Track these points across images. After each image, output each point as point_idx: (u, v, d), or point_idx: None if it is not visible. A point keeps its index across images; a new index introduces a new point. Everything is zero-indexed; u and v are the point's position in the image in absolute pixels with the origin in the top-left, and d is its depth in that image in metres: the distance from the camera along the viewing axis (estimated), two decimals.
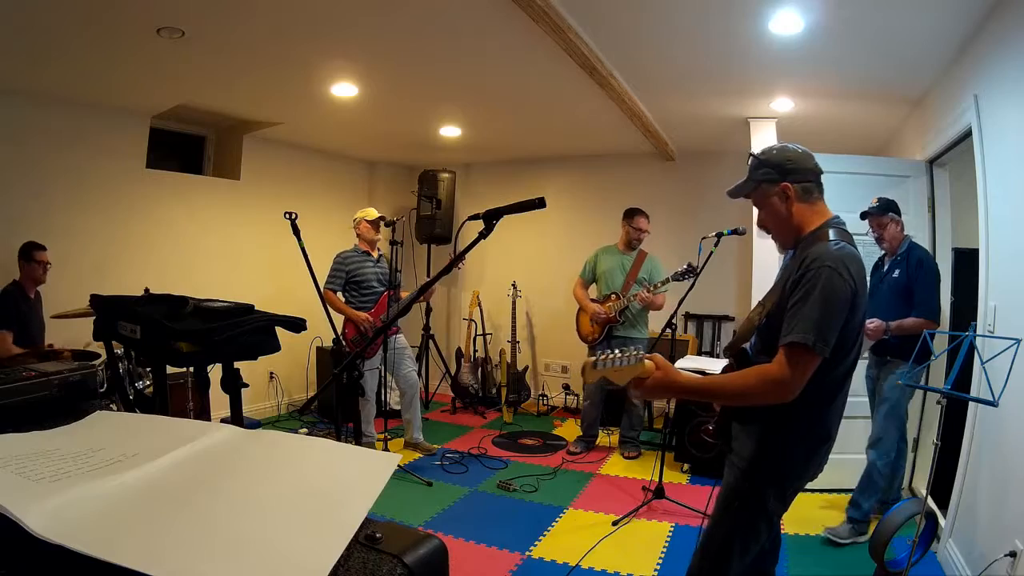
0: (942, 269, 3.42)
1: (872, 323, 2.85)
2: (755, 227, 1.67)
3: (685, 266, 3.65)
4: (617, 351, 1.41)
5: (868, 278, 1.52)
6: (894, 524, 2.28)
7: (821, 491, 3.39)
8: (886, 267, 3.07)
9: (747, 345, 1.60)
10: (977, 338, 2.07)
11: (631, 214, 4.22)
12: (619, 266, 4.20)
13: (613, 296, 4.12)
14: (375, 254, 4.03)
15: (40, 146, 3.71)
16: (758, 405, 1.47)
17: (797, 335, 1.36)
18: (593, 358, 1.40)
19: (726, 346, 1.89)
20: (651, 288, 3.97)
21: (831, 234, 1.49)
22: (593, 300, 4.23)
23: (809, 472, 1.56)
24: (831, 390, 1.49)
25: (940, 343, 2.90)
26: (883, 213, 2.96)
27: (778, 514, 1.57)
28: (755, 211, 1.70)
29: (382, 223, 4.00)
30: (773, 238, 1.68)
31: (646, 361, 1.45)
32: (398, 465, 1.33)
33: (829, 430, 1.53)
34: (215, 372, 1.42)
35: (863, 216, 3.06)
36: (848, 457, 3.47)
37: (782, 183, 1.55)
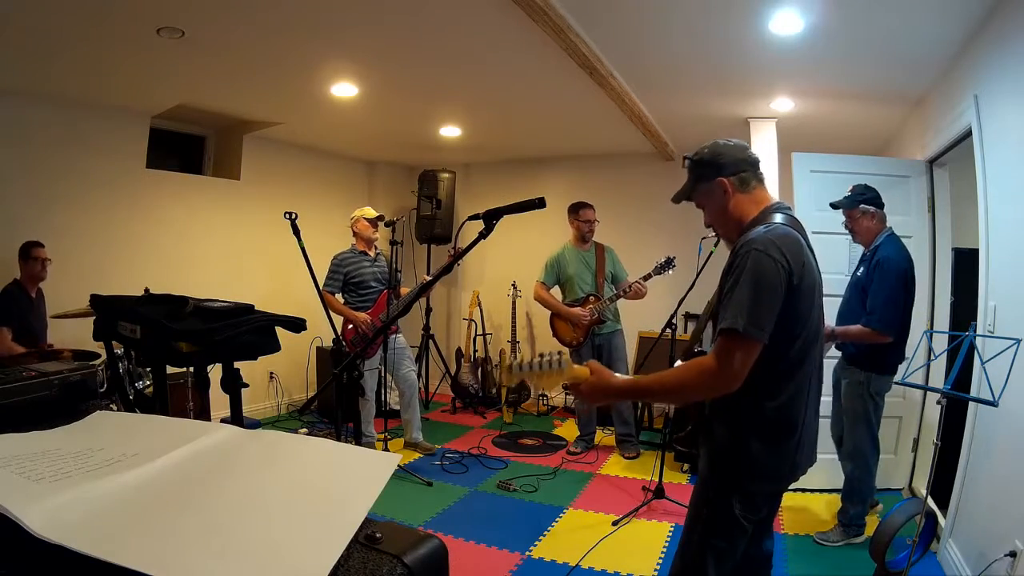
0: (942, 269, 3.42)
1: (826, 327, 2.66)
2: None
3: (664, 259, 3.68)
4: (538, 355, 1.41)
5: (815, 265, 1.45)
6: (895, 525, 2.28)
7: (821, 491, 3.39)
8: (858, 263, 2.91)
9: (698, 348, 1.60)
10: (977, 338, 2.07)
11: (577, 208, 4.19)
12: (585, 265, 4.17)
13: (592, 298, 4.10)
14: (372, 253, 4.02)
15: (40, 146, 3.71)
16: (703, 398, 1.45)
17: (726, 321, 1.33)
18: (511, 362, 1.42)
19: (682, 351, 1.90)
20: (622, 292, 4.00)
21: (775, 218, 1.46)
22: (570, 303, 4.18)
23: (780, 471, 1.47)
24: (782, 380, 1.42)
25: (940, 343, 2.90)
26: (853, 206, 2.77)
27: (751, 520, 1.47)
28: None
29: (381, 222, 3.99)
30: (720, 235, 1.67)
31: (575, 367, 1.43)
32: (398, 465, 1.33)
33: (792, 422, 1.43)
34: (215, 372, 1.41)
35: (833, 207, 2.88)
36: None
37: (717, 178, 1.54)
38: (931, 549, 2.64)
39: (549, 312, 4.26)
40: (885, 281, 2.62)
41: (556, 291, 4.32)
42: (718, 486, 1.48)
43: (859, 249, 2.94)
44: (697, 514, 1.52)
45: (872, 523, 2.81)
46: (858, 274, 2.83)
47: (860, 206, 2.77)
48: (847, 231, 2.89)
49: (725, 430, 1.47)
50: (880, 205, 2.79)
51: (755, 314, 1.31)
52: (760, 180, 1.57)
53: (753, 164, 1.56)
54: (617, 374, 1.46)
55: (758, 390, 1.38)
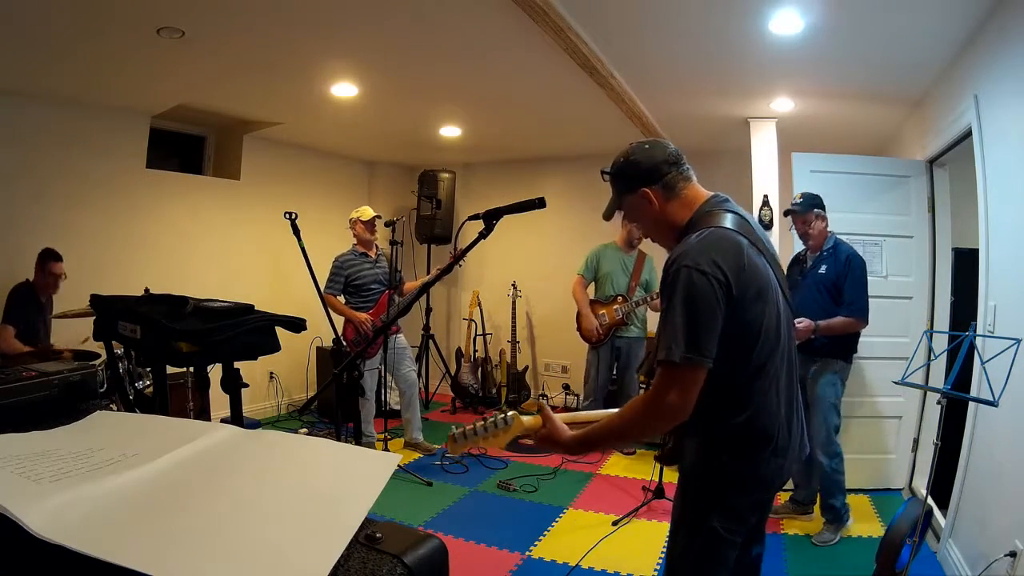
0: (942, 269, 3.43)
1: (801, 323, 2.72)
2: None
3: None
4: (479, 421, 1.39)
5: (765, 263, 1.34)
6: (901, 532, 2.25)
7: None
8: (810, 263, 3.00)
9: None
10: (977, 338, 2.07)
11: None
12: (621, 267, 4.21)
13: (620, 298, 4.13)
14: (373, 254, 4.01)
15: (40, 146, 3.71)
16: (659, 433, 1.36)
17: (662, 352, 1.24)
18: (454, 431, 1.39)
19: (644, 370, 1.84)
20: (649, 298, 4.07)
21: (711, 219, 1.35)
22: (595, 300, 4.23)
23: (761, 482, 1.37)
24: (743, 393, 1.32)
25: (940, 343, 2.90)
26: (807, 210, 2.89)
27: (738, 532, 1.38)
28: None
29: (379, 222, 3.99)
30: (661, 245, 1.52)
31: (524, 419, 1.41)
32: (398, 465, 1.33)
33: (764, 432, 1.33)
34: (215, 372, 1.42)
35: (786, 214, 3.01)
36: (847, 457, 3.48)
37: (640, 189, 1.42)
38: (932, 549, 2.65)
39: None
40: (858, 273, 2.84)
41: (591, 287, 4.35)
42: (693, 508, 1.39)
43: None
44: (675, 534, 1.43)
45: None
46: (820, 271, 2.93)
47: (814, 210, 2.90)
48: (799, 236, 3.01)
49: (695, 446, 1.39)
50: (824, 209, 2.96)
51: (692, 339, 1.21)
52: (687, 177, 1.44)
53: (675, 162, 1.43)
54: (568, 430, 1.40)
55: (719, 407, 1.31)
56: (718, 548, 1.36)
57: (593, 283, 4.31)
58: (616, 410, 1.40)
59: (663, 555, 2.76)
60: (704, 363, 1.23)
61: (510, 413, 1.39)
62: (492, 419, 1.38)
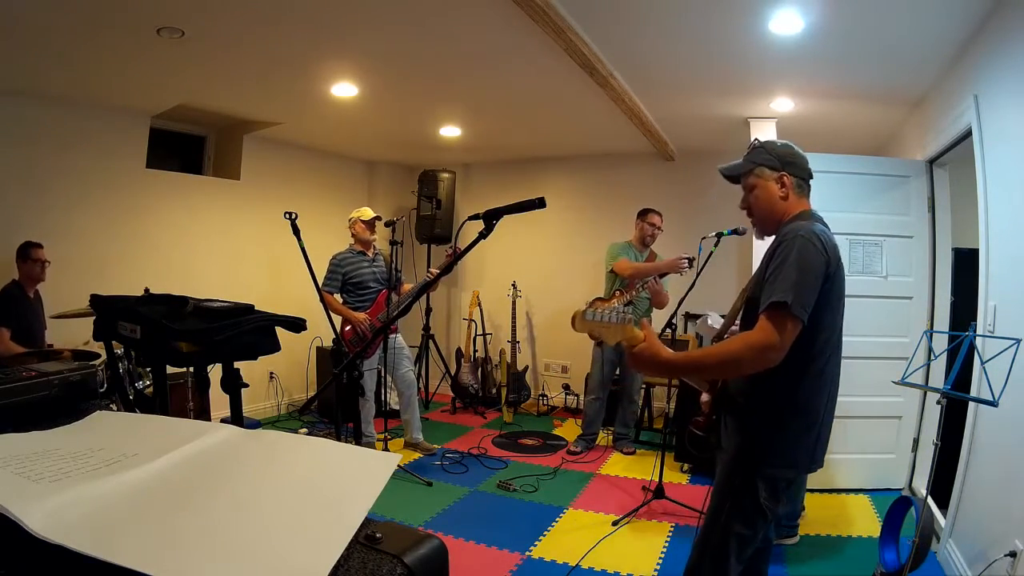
0: (942, 269, 3.43)
1: None
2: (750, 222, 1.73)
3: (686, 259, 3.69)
4: (610, 307, 1.45)
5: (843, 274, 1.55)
6: (929, 531, 2.24)
7: (821, 491, 3.39)
8: None
9: (728, 335, 1.64)
10: (977, 338, 2.07)
11: (646, 212, 4.26)
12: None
13: (617, 293, 4.14)
14: (370, 254, 4.02)
15: (40, 146, 3.71)
16: (751, 371, 1.47)
17: (777, 295, 1.38)
18: (584, 309, 1.46)
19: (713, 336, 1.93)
20: (645, 283, 4.02)
21: (812, 219, 1.56)
22: (595, 299, 4.23)
23: (799, 460, 1.53)
24: (812, 364, 1.48)
25: (940, 343, 2.90)
26: None
27: (772, 509, 1.54)
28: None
29: (379, 222, 3.99)
30: (754, 223, 1.72)
31: (633, 328, 1.45)
32: (398, 465, 1.33)
33: (814, 409, 1.50)
34: (215, 372, 1.42)
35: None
36: (847, 457, 3.49)
37: (782, 172, 1.61)
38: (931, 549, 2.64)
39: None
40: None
41: (599, 287, 4.37)
42: (745, 472, 1.52)
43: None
44: (721, 503, 1.56)
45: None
46: None
47: None
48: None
49: (756, 414, 1.52)
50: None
51: (801, 293, 1.37)
52: (809, 194, 1.66)
53: (810, 177, 1.66)
54: (668, 350, 1.47)
55: (790, 374, 1.44)
56: (755, 517, 1.52)
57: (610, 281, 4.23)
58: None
59: (663, 555, 2.76)
60: (804, 317, 1.38)
61: (627, 315, 1.45)
62: (617, 310, 1.44)
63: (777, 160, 1.62)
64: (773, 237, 1.63)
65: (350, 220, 4.03)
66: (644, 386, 4.71)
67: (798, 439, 1.51)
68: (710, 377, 1.70)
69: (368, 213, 3.99)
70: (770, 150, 1.64)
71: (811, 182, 1.66)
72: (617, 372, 4.34)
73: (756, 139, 1.70)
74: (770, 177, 1.62)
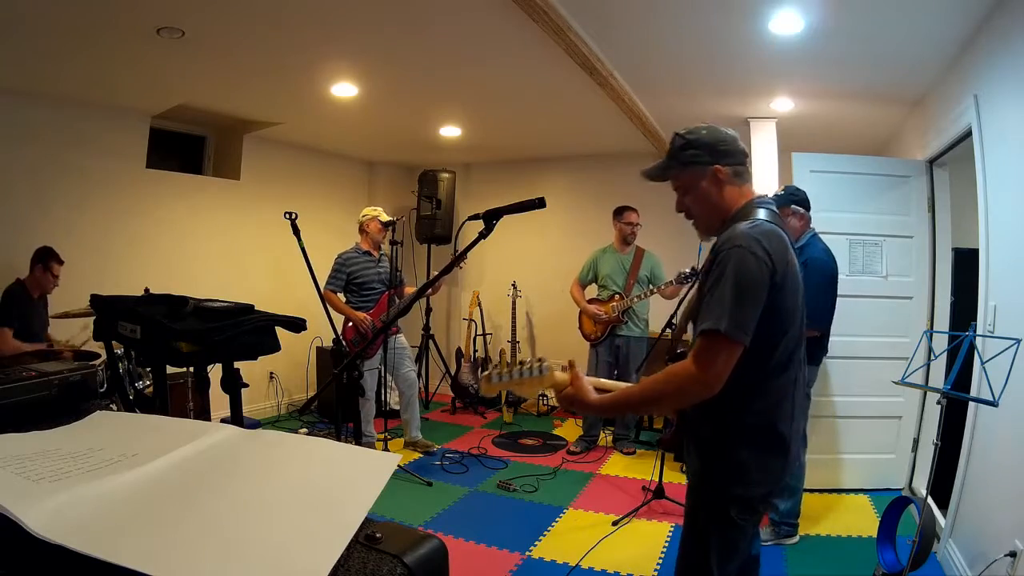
0: (942, 269, 3.43)
1: None
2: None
3: (688, 270, 3.67)
4: (518, 363, 1.38)
5: (797, 268, 1.39)
6: (932, 530, 2.24)
7: (821, 491, 3.38)
8: None
9: (680, 351, 1.55)
10: (977, 338, 2.07)
11: (621, 211, 4.28)
12: (619, 266, 4.23)
13: (616, 296, 4.14)
14: (376, 254, 4.01)
15: (40, 146, 3.71)
16: (684, 406, 1.39)
17: (708, 322, 1.26)
18: (489, 372, 1.39)
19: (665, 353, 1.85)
20: (650, 291, 4.06)
21: (758, 213, 1.38)
22: (592, 300, 4.26)
23: (771, 479, 1.40)
24: (765, 384, 1.35)
25: (940, 343, 2.90)
26: (785, 204, 2.76)
27: (751, 523, 1.44)
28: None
29: (390, 228, 3.97)
30: (696, 225, 1.55)
31: (556, 373, 1.40)
32: (398, 465, 1.32)
33: (777, 429, 1.36)
34: (215, 372, 1.42)
35: None
36: (847, 457, 3.49)
37: (714, 166, 1.43)
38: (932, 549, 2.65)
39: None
40: (811, 279, 2.79)
41: (593, 289, 4.40)
42: (711, 494, 1.41)
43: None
44: (693, 526, 1.46)
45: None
46: None
47: (791, 206, 2.81)
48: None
49: (712, 436, 1.40)
50: (807, 208, 2.84)
51: (737, 315, 1.24)
52: (750, 176, 1.49)
53: (746, 158, 1.49)
54: (593, 393, 1.41)
55: (741, 395, 1.32)
56: (736, 538, 1.41)
57: (597, 287, 4.34)
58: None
59: (663, 555, 2.76)
60: (744, 340, 1.25)
61: (545, 363, 1.38)
62: (528, 365, 1.37)
63: (706, 153, 1.44)
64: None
65: (365, 217, 3.98)
66: None
67: (764, 464, 1.37)
68: (639, 414, 1.63)
69: (384, 216, 3.96)
70: (696, 143, 1.46)
71: (747, 164, 1.49)
72: (615, 373, 4.34)
73: (677, 133, 1.52)
74: (697, 175, 1.45)
